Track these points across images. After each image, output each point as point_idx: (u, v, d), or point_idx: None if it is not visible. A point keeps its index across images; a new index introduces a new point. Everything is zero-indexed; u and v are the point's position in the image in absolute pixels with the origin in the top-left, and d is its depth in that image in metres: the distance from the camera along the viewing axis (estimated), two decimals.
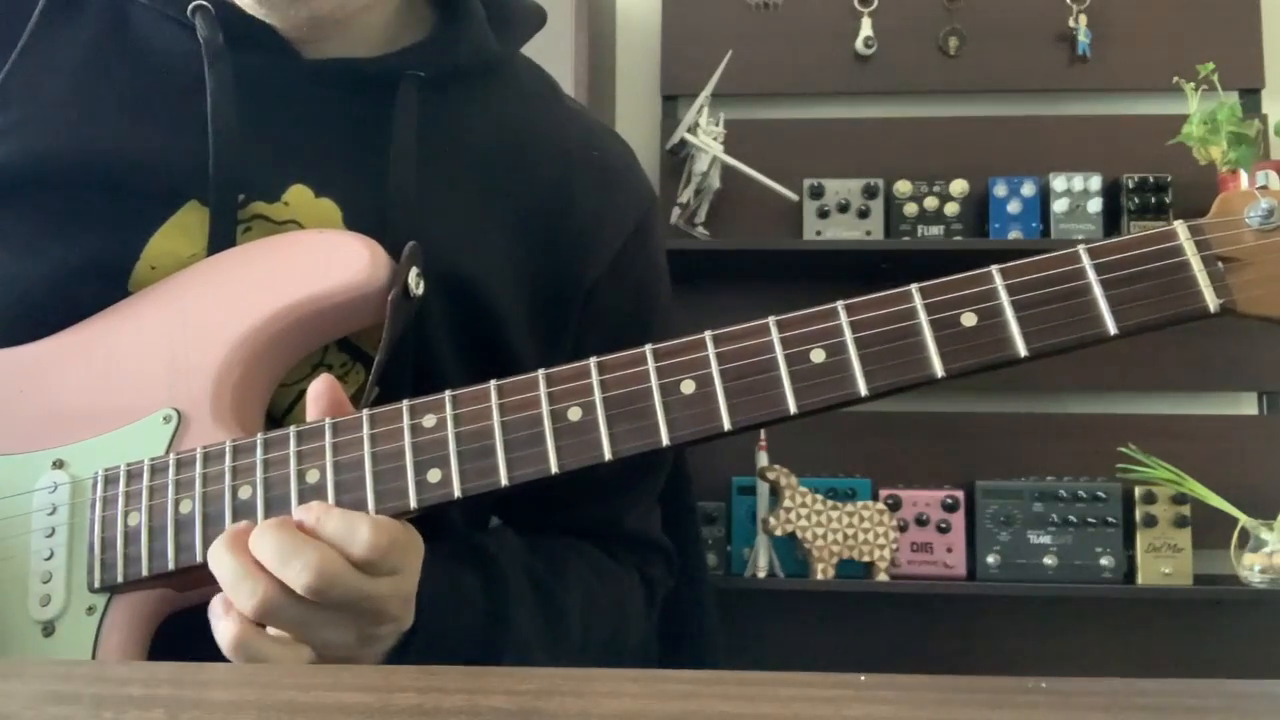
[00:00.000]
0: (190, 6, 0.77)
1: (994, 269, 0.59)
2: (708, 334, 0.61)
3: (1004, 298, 0.58)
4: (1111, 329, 0.57)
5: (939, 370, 0.58)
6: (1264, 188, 0.59)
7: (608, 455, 0.61)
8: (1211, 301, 0.57)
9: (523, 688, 0.41)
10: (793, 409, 0.59)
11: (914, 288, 0.59)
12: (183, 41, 0.78)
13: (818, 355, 0.59)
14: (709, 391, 0.60)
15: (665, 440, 0.60)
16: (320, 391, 0.66)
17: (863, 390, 0.59)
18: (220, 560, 0.62)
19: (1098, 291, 0.58)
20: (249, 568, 0.60)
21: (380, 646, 0.66)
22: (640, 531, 0.91)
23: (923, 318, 0.59)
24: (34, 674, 0.47)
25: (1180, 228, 0.58)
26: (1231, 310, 0.57)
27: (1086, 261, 0.58)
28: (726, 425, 0.60)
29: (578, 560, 0.84)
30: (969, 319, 0.58)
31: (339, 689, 0.42)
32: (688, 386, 0.60)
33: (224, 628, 0.61)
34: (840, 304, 0.60)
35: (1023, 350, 0.58)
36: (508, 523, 0.89)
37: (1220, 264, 0.58)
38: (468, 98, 0.84)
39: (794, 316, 0.60)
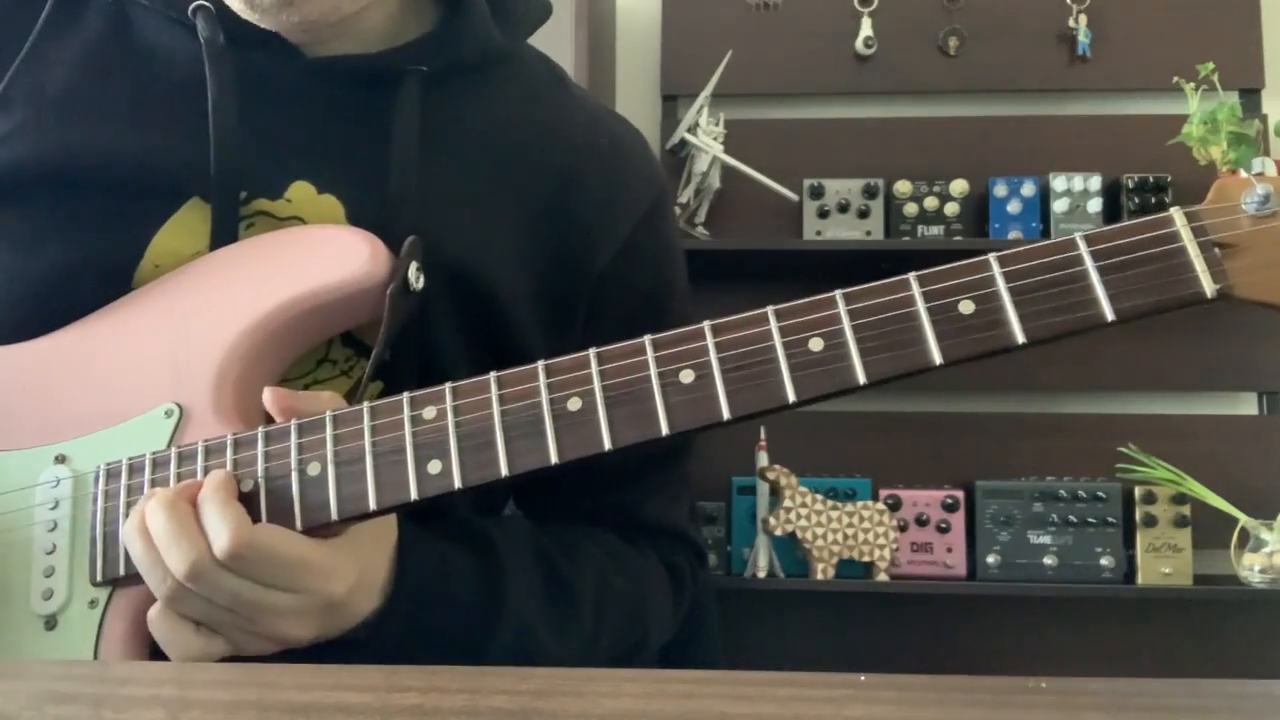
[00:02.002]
0: (191, 7, 0.78)
1: (991, 256, 0.59)
2: (706, 324, 0.61)
3: (1001, 285, 0.58)
4: (1109, 314, 0.58)
5: (937, 358, 0.58)
6: (1260, 174, 0.59)
7: (607, 445, 0.61)
8: (1208, 286, 0.57)
9: (523, 688, 0.42)
10: (791, 398, 0.59)
11: (912, 276, 0.60)
12: (184, 41, 0.79)
13: (816, 344, 0.59)
14: (708, 381, 0.60)
15: (664, 430, 0.60)
16: (271, 401, 0.67)
17: (861, 379, 0.59)
18: (129, 540, 0.64)
19: (1095, 277, 0.58)
20: (151, 552, 0.63)
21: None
22: (661, 521, 0.90)
23: (920, 305, 0.59)
24: (35, 673, 0.47)
25: (1177, 214, 0.59)
26: (1228, 295, 0.57)
27: (1084, 248, 0.58)
28: (726, 414, 0.60)
29: (593, 545, 0.84)
30: (967, 306, 0.59)
31: (339, 689, 0.42)
32: (687, 376, 0.61)
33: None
34: (838, 293, 0.60)
35: (1020, 337, 0.58)
36: (525, 511, 0.89)
37: (1217, 249, 0.58)
38: (471, 92, 0.84)
39: (792, 306, 0.61)
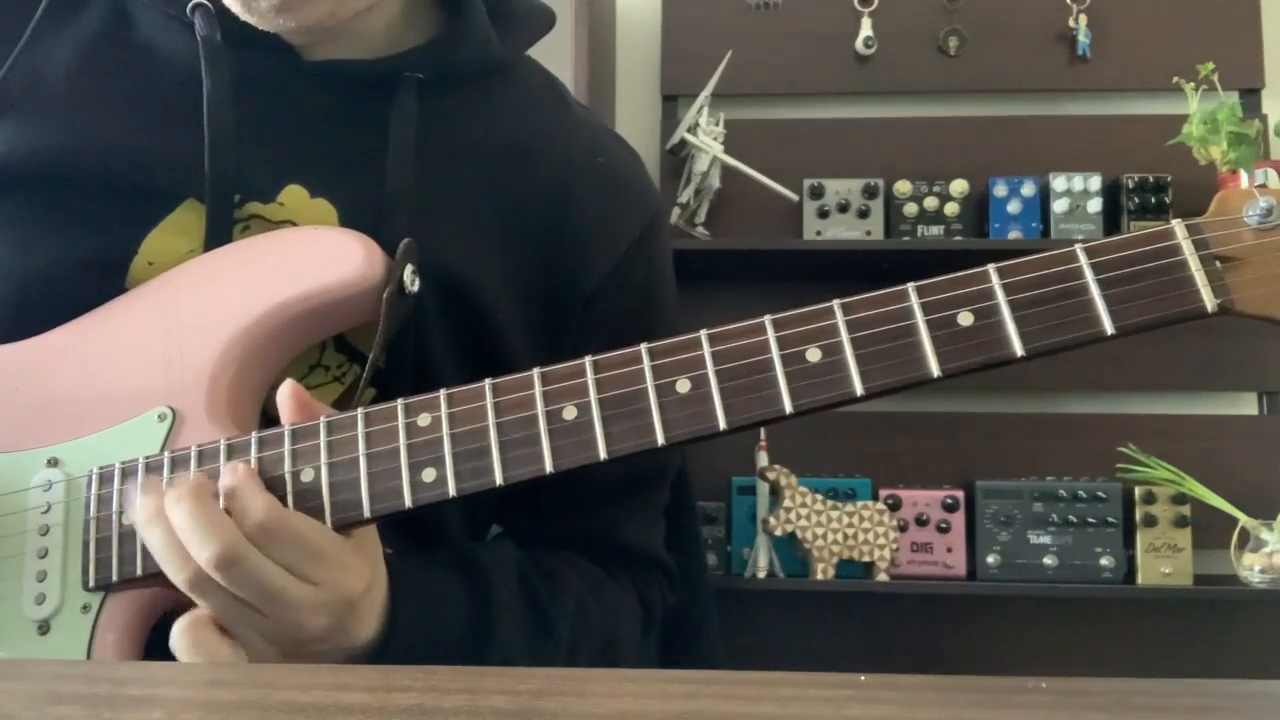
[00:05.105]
0: (190, 5, 0.77)
1: (991, 268, 0.59)
2: (703, 333, 0.61)
3: (1001, 297, 0.58)
4: (1109, 329, 0.57)
5: (935, 370, 0.58)
6: (1263, 186, 0.58)
7: (603, 455, 0.60)
8: (1209, 301, 0.57)
9: (522, 688, 0.41)
10: (788, 409, 0.58)
11: (910, 286, 0.59)
12: (183, 40, 0.78)
13: (813, 354, 0.59)
14: (704, 391, 0.60)
15: (661, 440, 0.60)
16: (286, 398, 0.66)
17: (859, 390, 0.58)
18: (147, 530, 0.63)
19: (1095, 291, 0.57)
20: (174, 541, 0.62)
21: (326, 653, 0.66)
22: (637, 546, 0.89)
23: (919, 317, 0.58)
24: (34, 674, 0.47)
25: (1178, 226, 0.58)
26: (1229, 310, 0.57)
27: (1084, 260, 0.58)
28: (722, 425, 0.59)
29: (574, 577, 0.83)
30: (965, 318, 0.58)
31: (339, 689, 0.42)
32: (683, 386, 0.60)
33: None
34: (836, 303, 0.59)
35: (1019, 350, 0.57)
36: (505, 531, 0.88)
37: (1218, 263, 0.57)
38: (469, 100, 0.83)
39: (789, 315, 0.60)
